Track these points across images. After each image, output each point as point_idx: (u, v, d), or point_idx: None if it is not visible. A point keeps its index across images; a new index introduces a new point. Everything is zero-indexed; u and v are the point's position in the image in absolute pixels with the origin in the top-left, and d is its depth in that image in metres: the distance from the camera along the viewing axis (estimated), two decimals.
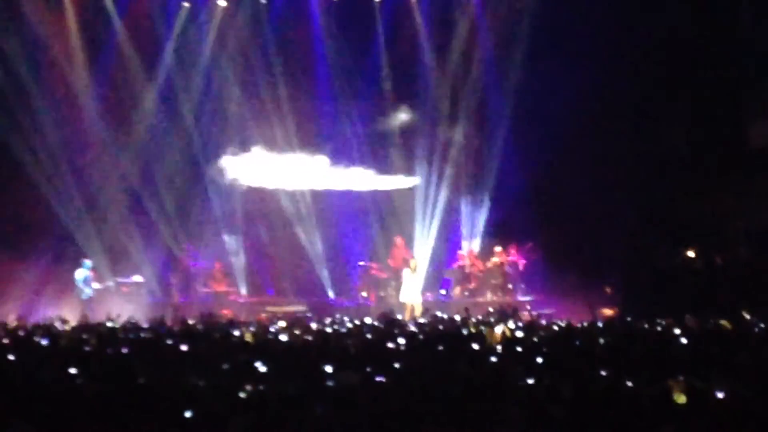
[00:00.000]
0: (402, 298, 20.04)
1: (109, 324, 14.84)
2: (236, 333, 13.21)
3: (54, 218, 20.91)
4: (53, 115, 21.26)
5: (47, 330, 13.94)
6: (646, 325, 14.11)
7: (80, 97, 21.77)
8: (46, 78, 21.40)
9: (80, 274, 20.05)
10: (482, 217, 23.07)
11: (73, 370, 8.84)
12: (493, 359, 9.89)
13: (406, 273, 20.22)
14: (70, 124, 21.54)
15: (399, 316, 17.13)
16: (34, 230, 20.59)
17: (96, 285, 20.25)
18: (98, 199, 21.68)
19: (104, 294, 20.32)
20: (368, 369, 8.57)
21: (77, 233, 21.10)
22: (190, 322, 15.47)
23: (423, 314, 18.47)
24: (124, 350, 10.98)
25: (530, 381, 8.14)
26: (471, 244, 23.02)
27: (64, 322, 15.38)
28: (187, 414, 6.85)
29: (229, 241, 22.67)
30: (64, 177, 21.25)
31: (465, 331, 13.29)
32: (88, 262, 20.32)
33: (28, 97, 21.09)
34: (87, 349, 11.33)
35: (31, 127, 21.02)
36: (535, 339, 12.23)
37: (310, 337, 12.97)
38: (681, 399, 7.21)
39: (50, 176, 21.08)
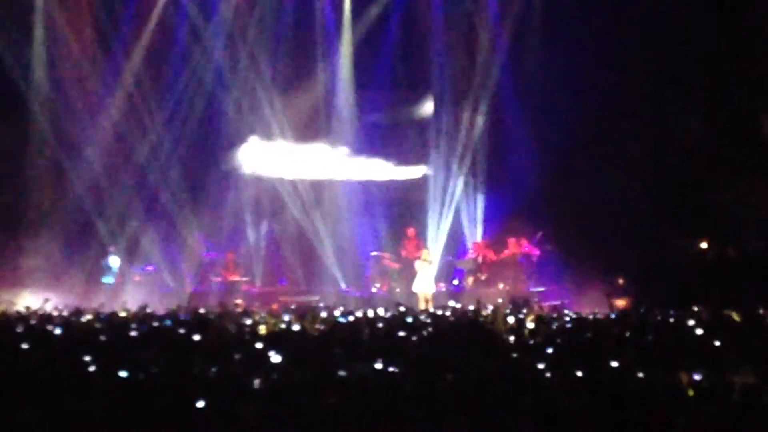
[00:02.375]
0: (415, 288, 20.00)
1: (122, 313, 14.91)
2: (248, 322, 13.24)
3: (73, 207, 21.02)
4: (69, 100, 21.34)
5: (60, 319, 14.01)
6: (659, 317, 14.09)
7: (96, 87, 21.79)
8: (68, 74, 21.43)
9: (115, 261, 20.58)
10: (495, 207, 22.99)
11: (86, 359, 8.89)
12: (506, 350, 9.90)
13: (418, 264, 20.17)
14: (87, 113, 21.58)
15: (414, 307, 17.12)
16: (53, 218, 20.79)
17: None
18: (111, 189, 21.70)
19: (121, 283, 20.57)
20: (381, 359, 8.59)
21: (97, 222, 21.19)
22: (203, 311, 15.50)
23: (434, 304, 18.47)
24: (137, 339, 11.03)
25: (542, 372, 8.15)
26: (483, 235, 22.97)
27: (79, 311, 15.42)
28: (200, 404, 6.87)
29: (242, 231, 22.66)
30: (82, 166, 21.35)
31: (477, 322, 13.28)
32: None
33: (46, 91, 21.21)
34: (101, 338, 11.37)
35: (49, 115, 21.14)
36: (548, 330, 12.22)
37: (322, 327, 12.99)
38: (691, 391, 7.21)
39: (70, 164, 21.17)
